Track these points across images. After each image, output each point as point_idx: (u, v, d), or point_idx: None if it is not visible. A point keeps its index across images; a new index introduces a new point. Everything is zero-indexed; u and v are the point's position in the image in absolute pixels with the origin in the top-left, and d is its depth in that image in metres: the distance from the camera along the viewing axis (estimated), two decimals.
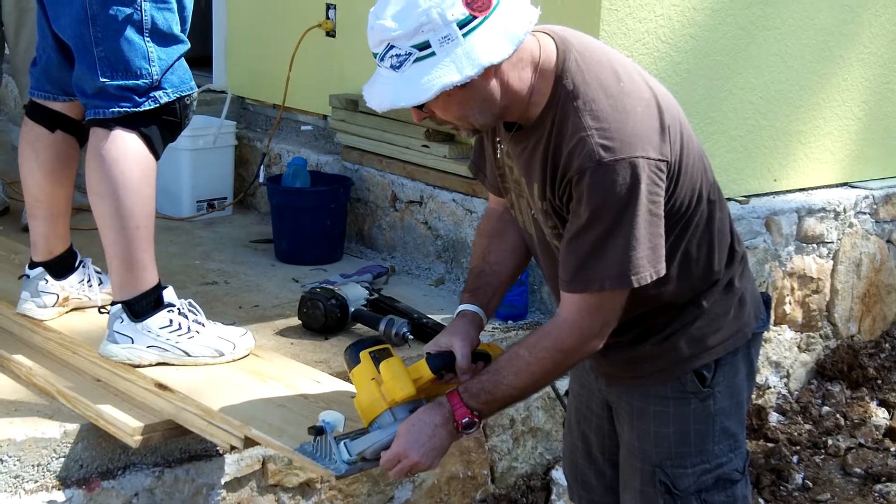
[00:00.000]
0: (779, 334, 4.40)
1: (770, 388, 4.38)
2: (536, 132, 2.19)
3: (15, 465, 2.80)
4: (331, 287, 3.70)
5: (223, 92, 5.27)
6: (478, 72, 2.06)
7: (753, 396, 4.21)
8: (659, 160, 2.12)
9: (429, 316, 3.57)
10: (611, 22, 3.72)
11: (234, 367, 3.03)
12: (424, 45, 2.06)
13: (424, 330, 3.47)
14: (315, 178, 4.51)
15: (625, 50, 3.75)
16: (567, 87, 2.14)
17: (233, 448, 2.78)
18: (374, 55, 2.12)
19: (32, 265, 3.27)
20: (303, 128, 5.05)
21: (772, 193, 4.46)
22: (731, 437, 2.38)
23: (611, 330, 2.23)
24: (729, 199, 2.50)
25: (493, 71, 2.10)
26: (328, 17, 4.80)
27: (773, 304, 4.16)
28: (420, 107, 2.14)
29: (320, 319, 3.55)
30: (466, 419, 2.25)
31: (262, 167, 4.96)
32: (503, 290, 2.52)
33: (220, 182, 5.02)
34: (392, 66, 2.09)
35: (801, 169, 4.51)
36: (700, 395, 2.34)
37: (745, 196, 4.34)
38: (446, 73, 2.05)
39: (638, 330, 2.33)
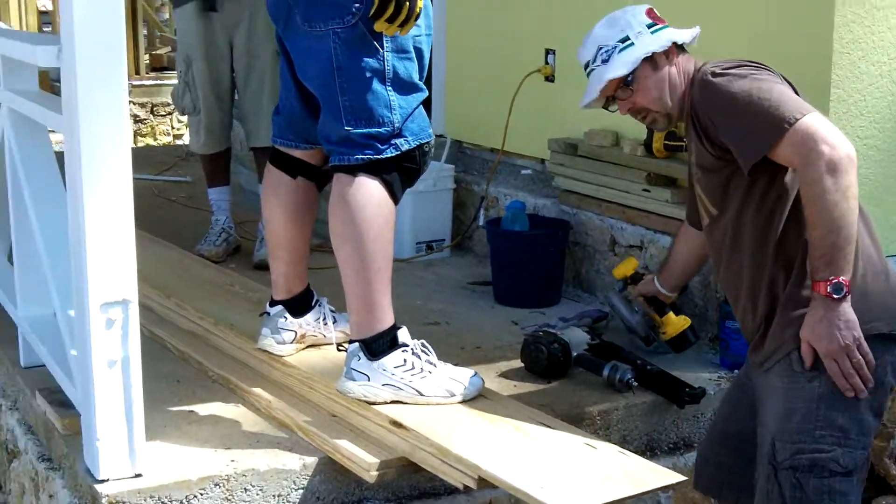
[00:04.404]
0: None
1: None
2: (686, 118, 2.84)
3: (257, 494, 2.92)
4: (553, 331, 3.73)
5: (442, 136, 5.40)
6: (662, 46, 2.82)
7: None
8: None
9: (652, 362, 3.55)
10: (842, 66, 3.64)
11: (464, 408, 3.09)
12: (625, 39, 2.86)
13: (649, 375, 3.46)
14: (533, 222, 4.56)
15: (857, 93, 3.67)
16: (697, 75, 2.80)
17: (466, 488, 2.82)
18: (585, 67, 2.92)
19: (273, 303, 3.42)
20: (523, 172, 5.11)
21: None
22: (840, 430, 2.50)
23: (841, 136, 2.52)
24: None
25: (674, 51, 2.86)
26: (547, 63, 4.86)
27: None
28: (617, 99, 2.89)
29: (543, 363, 3.58)
30: (829, 286, 2.49)
31: (481, 210, 5.05)
32: (684, 268, 3.49)
33: (439, 224, 5.13)
34: (602, 62, 2.85)
35: None
36: (806, 375, 2.54)
37: None
38: (639, 49, 2.83)
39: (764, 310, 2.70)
